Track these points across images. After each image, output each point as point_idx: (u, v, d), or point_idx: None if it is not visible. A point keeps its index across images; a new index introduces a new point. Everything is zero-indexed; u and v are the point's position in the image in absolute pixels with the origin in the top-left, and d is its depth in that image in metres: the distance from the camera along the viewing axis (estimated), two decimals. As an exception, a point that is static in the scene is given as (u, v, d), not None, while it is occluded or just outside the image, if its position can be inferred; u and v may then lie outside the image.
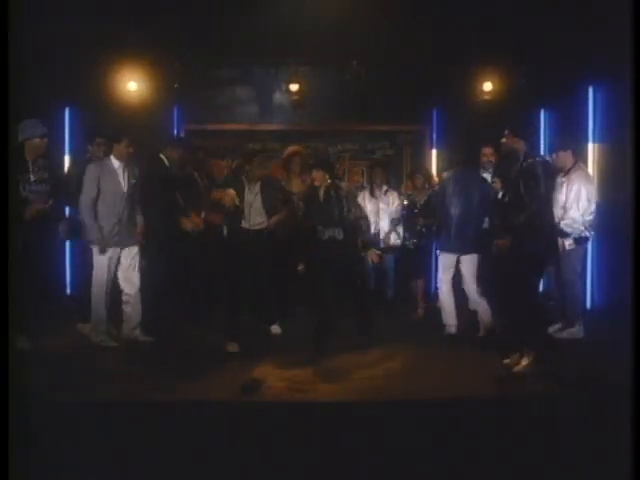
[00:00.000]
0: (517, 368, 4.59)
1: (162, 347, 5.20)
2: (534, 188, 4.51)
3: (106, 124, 5.99)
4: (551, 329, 5.47)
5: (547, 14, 5.81)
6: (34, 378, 4.03)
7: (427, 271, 6.74)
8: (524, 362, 4.59)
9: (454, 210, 5.40)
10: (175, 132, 7.52)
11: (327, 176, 5.36)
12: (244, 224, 5.43)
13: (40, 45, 5.49)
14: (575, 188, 5.29)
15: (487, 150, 5.87)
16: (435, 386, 4.35)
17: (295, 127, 7.72)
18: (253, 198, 5.46)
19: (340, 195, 5.32)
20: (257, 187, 5.49)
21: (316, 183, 5.36)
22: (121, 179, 5.22)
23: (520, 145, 4.73)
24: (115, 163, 5.21)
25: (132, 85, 6.86)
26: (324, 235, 5.26)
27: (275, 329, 5.71)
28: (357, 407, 4.03)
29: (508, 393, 4.26)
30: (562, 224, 5.23)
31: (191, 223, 5.56)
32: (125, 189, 5.23)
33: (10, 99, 3.29)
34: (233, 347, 5.16)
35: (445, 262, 5.58)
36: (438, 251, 5.80)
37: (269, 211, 5.50)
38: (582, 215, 5.29)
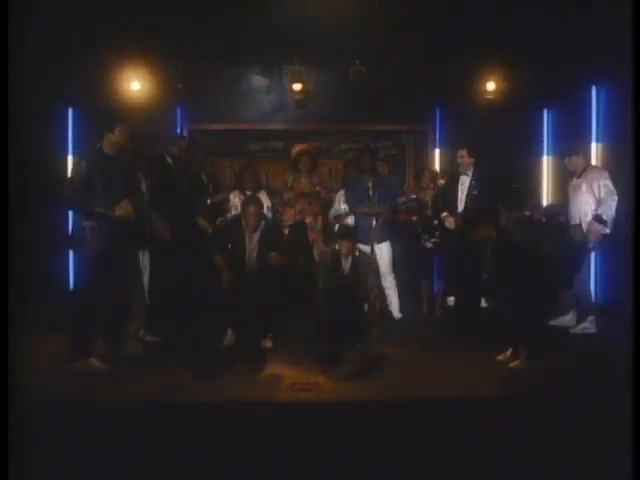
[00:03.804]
0: (512, 364, 4.60)
1: (167, 347, 5.20)
2: None
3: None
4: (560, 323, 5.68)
5: (549, 13, 5.80)
6: (34, 378, 4.04)
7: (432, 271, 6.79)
8: (519, 358, 4.61)
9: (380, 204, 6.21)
10: (178, 132, 7.52)
11: (353, 245, 5.41)
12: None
13: (41, 45, 5.48)
14: (601, 183, 5.51)
15: (461, 152, 5.97)
16: (436, 386, 4.33)
17: (298, 126, 7.72)
18: (252, 247, 5.31)
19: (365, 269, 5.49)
20: (256, 236, 5.31)
21: (343, 251, 5.34)
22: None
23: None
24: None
25: (135, 85, 6.86)
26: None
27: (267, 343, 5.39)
28: (358, 407, 4.01)
29: (510, 392, 4.23)
30: (598, 215, 5.47)
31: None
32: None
33: (10, 99, 3.30)
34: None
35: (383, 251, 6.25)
36: (375, 244, 6.19)
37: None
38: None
